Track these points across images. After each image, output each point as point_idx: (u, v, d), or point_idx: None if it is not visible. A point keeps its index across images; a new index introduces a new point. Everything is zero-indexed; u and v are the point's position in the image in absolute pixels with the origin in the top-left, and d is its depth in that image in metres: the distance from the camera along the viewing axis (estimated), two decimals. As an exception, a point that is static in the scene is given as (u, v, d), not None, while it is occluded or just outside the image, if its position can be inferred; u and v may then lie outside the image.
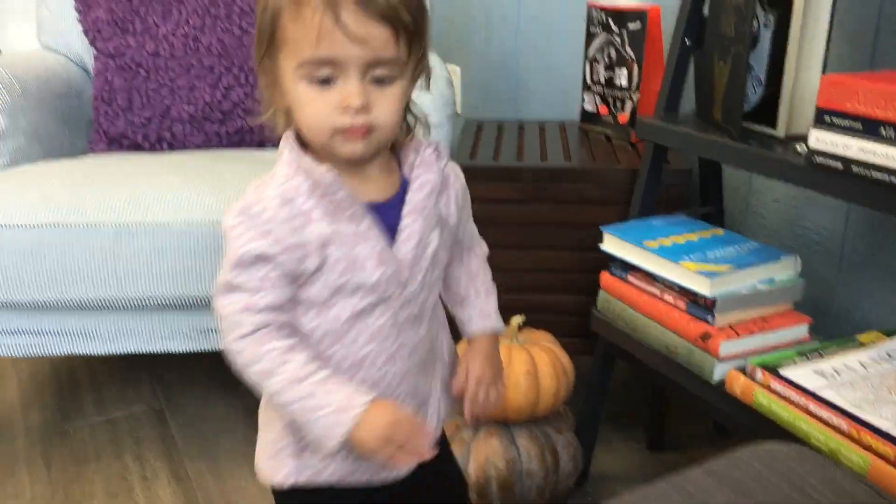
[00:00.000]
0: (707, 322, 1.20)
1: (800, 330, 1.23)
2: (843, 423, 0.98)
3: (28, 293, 1.46)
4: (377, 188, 0.87)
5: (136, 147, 1.86)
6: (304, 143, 0.85)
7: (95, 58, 1.88)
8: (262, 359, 0.82)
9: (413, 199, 0.87)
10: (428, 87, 0.88)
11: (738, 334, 1.18)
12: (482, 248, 1.02)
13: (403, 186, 0.88)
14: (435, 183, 0.88)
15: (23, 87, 1.75)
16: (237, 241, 0.82)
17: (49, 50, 2.01)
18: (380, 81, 0.79)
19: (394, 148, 0.89)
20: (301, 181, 0.83)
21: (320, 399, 0.82)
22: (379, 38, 0.77)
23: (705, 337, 1.19)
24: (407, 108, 0.87)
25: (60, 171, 1.59)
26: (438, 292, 0.95)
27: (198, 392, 1.87)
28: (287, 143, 0.86)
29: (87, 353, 1.57)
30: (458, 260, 0.99)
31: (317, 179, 0.82)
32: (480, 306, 1.00)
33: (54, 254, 1.44)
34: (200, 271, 1.47)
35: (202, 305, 1.52)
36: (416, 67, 0.84)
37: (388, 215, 0.87)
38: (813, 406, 1.02)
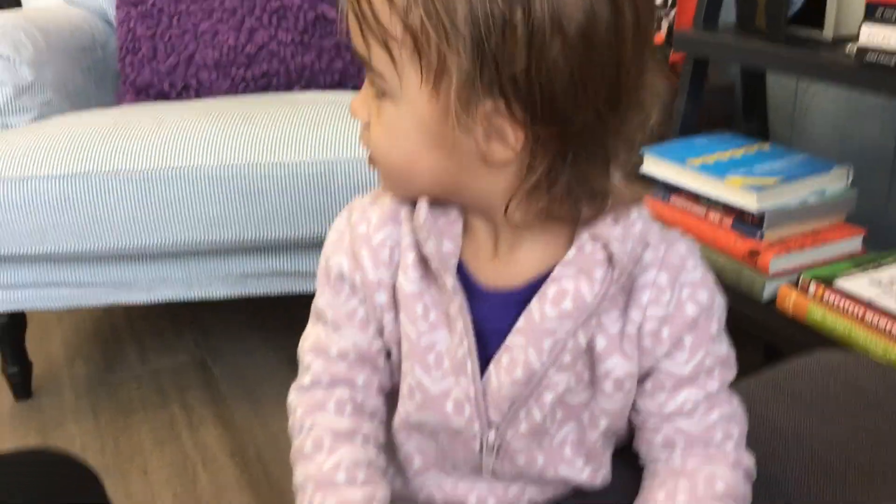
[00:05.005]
0: (755, 239, 1.15)
1: (854, 242, 1.18)
2: (903, 333, 0.94)
3: (64, 244, 1.45)
4: (521, 268, 0.58)
5: (162, 96, 1.84)
6: None
7: (117, 7, 1.85)
8: (301, 432, 0.62)
9: (534, 313, 0.57)
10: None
11: (788, 250, 1.13)
12: (729, 457, 0.62)
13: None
14: (583, 302, 0.56)
15: (47, 40, 1.73)
16: (328, 246, 0.62)
17: (71, 3, 1.98)
18: (379, 93, 0.54)
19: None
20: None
21: None
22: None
23: (753, 254, 1.14)
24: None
25: (90, 120, 1.57)
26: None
27: (239, 339, 1.86)
28: None
29: (127, 302, 1.57)
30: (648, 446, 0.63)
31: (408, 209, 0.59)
32: None
33: (87, 203, 1.43)
34: (235, 216, 1.44)
35: (238, 250, 1.50)
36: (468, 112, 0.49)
37: (501, 313, 0.58)
38: (870, 316, 0.98)
